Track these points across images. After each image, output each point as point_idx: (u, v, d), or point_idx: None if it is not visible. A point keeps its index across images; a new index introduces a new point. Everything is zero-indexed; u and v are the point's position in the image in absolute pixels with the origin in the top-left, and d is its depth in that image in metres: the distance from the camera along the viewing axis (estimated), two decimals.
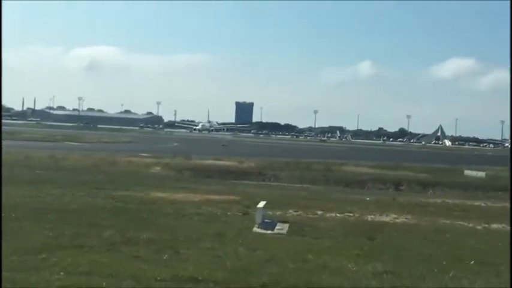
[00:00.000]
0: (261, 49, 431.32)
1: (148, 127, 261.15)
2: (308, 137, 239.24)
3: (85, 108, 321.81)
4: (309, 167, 57.19)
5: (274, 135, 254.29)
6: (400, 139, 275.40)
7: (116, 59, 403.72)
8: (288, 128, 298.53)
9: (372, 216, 26.20)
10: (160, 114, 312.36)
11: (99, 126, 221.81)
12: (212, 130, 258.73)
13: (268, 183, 45.77)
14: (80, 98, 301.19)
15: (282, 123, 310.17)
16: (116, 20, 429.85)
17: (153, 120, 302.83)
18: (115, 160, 51.99)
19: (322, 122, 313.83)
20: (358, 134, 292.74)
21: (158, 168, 49.69)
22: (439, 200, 36.13)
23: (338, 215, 25.81)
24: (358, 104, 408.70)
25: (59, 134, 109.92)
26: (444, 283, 14.08)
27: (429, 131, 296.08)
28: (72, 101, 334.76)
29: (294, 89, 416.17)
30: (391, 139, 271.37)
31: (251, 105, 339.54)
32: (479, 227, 25.02)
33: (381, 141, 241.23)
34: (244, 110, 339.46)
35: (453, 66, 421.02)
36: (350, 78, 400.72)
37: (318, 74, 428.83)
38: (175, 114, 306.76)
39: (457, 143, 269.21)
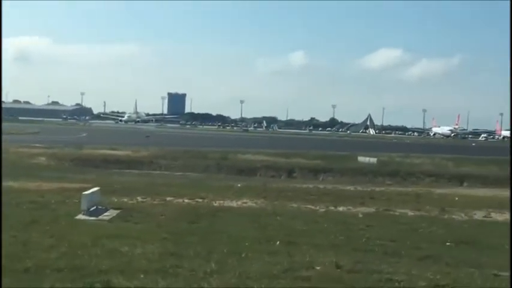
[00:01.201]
0: (194, 40, 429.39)
1: (75, 118, 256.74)
2: (235, 128, 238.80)
3: (11, 100, 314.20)
4: (206, 155, 57.00)
5: (201, 126, 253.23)
6: (329, 128, 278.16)
7: (45, 50, 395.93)
8: (220, 119, 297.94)
9: (221, 201, 26.19)
10: (90, 105, 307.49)
11: (21, 118, 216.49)
12: (139, 121, 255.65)
13: (156, 172, 45.40)
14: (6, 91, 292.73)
15: (214, 114, 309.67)
16: (45, 10, 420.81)
17: (81, 112, 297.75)
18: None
19: (256, 113, 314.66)
20: (290, 124, 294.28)
21: (43, 158, 48.65)
22: (316, 186, 36.40)
23: (186, 200, 25.79)
24: (291, 94, 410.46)
25: None
26: (226, 263, 14.10)
27: (360, 120, 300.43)
28: (8, 92, 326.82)
29: (227, 80, 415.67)
30: (319, 128, 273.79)
31: (183, 96, 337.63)
32: (322, 210, 25.29)
33: (307, 131, 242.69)
34: (176, 101, 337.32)
35: (382, 56, 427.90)
36: (283, 69, 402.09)
37: (251, 64, 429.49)
38: (104, 106, 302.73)
39: (384, 131, 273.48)
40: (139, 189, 28.23)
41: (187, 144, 73.94)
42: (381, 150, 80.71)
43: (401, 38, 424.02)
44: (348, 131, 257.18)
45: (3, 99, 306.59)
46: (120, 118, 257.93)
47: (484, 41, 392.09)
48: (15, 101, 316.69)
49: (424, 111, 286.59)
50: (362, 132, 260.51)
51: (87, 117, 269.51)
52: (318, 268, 14.46)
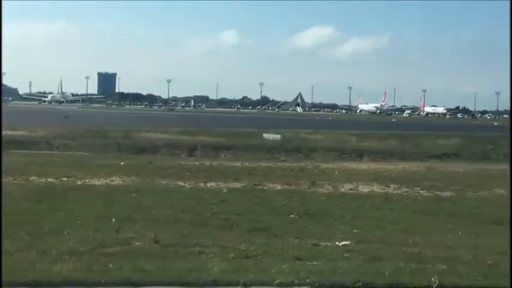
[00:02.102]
0: (125, 20, 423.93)
1: None
2: (162, 107, 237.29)
3: None
4: (108, 135, 56.15)
5: (128, 106, 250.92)
6: (259, 107, 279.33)
7: None
8: (150, 99, 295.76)
9: (88, 180, 25.77)
10: (15, 86, 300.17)
11: None
12: (63, 102, 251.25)
13: (46, 152, 44.36)
14: None
15: (145, 93, 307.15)
16: None
17: (5, 93, 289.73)
18: None
19: (189, 92, 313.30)
20: (222, 102, 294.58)
21: None
22: (202, 163, 36.13)
23: (50, 179, 25.25)
24: (223, 74, 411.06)
25: None
26: (43, 240, 13.92)
27: (291, 99, 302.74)
28: None
29: (159, 61, 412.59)
30: (249, 107, 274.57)
31: (114, 75, 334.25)
32: (189, 186, 25.16)
33: (235, 110, 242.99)
34: (106, 80, 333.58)
35: (314, 35, 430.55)
36: (215, 48, 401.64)
37: (183, 45, 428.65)
38: (30, 86, 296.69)
39: (313, 109, 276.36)
40: (7, 169, 27.38)
41: (101, 124, 72.93)
42: (296, 127, 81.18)
43: (333, 16, 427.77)
44: (277, 109, 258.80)
45: None
46: (43, 99, 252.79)
47: (410, 20, 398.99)
48: None
49: (350, 88, 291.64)
50: (292, 110, 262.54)
51: (9, 98, 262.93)
52: (137, 243, 14.31)
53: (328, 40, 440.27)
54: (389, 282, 11.85)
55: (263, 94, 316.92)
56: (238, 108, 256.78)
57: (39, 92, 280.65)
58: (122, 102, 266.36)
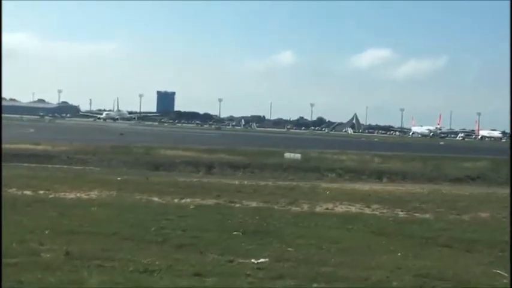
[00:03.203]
0: (185, 39, 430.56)
1: (55, 116, 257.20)
2: (213, 126, 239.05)
3: None
4: (129, 151, 56.78)
5: (180, 124, 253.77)
6: (312, 127, 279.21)
7: (32, 47, 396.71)
8: (207, 117, 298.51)
9: (64, 193, 26.17)
10: (77, 103, 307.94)
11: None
12: (117, 119, 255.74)
13: (59, 166, 45.05)
14: None
15: (201, 112, 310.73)
16: (32, 6, 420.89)
17: (65, 110, 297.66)
18: None
19: (246, 112, 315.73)
20: (278, 123, 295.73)
21: None
22: (200, 180, 36.19)
23: (26, 192, 25.76)
24: (280, 94, 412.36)
25: None
26: None
27: (347, 119, 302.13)
28: None
29: (216, 79, 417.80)
30: (302, 128, 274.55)
31: (173, 94, 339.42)
32: (162, 202, 25.26)
33: (285, 130, 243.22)
34: (165, 99, 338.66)
35: (371, 56, 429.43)
36: (272, 68, 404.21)
37: (240, 63, 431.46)
38: (90, 103, 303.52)
39: (367, 131, 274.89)
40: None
41: (133, 141, 73.89)
42: (329, 147, 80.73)
43: (390, 38, 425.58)
44: (327, 130, 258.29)
45: None
46: (98, 116, 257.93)
47: (469, 42, 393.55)
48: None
49: (402, 110, 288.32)
50: (344, 131, 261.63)
51: (68, 115, 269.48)
52: (47, 255, 14.41)
53: (384, 61, 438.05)
54: None
55: (319, 115, 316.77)
56: (288, 128, 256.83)
57: (99, 110, 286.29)
58: (176, 121, 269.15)
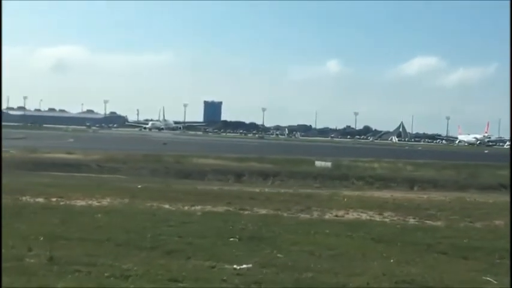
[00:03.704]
0: (231, 49, 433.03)
1: (102, 126, 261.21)
2: (257, 135, 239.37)
3: (46, 108, 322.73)
4: (160, 160, 57.28)
5: (224, 133, 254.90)
6: (357, 136, 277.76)
7: (82, 59, 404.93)
8: (252, 127, 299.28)
9: (76, 201, 26.42)
10: (125, 113, 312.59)
11: (46, 125, 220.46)
12: (162, 128, 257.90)
13: (86, 174, 45.66)
14: (40, 99, 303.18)
15: (247, 122, 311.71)
16: (82, 19, 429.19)
17: (113, 120, 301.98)
18: None
19: (292, 121, 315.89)
20: (324, 131, 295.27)
21: None
22: (221, 187, 36.32)
23: (39, 199, 26.08)
24: (326, 103, 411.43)
25: None
26: None
27: (393, 128, 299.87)
28: (41, 101, 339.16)
29: (262, 88, 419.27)
30: (348, 136, 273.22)
31: (219, 104, 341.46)
32: (170, 208, 25.40)
33: (329, 139, 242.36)
34: (212, 109, 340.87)
35: (418, 64, 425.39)
36: (318, 76, 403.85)
37: (287, 73, 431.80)
38: (137, 114, 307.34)
39: (413, 140, 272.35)
40: (16, 188, 28.57)
41: (169, 150, 74.57)
42: (365, 156, 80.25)
43: (438, 46, 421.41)
44: (371, 138, 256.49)
45: (37, 107, 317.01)
46: (144, 126, 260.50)
47: None
48: (51, 109, 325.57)
49: (448, 118, 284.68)
50: (389, 140, 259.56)
51: (115, 125, 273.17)
52: (31, 261, 14.63)
53: (432, 69, 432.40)
54: None
55: (366, 124, 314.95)
56: (332, 137, 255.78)
57: (146, 120, 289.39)
58: (221, 130, 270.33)
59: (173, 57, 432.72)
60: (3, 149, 49.14)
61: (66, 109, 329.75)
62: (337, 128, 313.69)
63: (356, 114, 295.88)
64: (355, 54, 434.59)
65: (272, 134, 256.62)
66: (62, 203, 25.39)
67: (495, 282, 14.85)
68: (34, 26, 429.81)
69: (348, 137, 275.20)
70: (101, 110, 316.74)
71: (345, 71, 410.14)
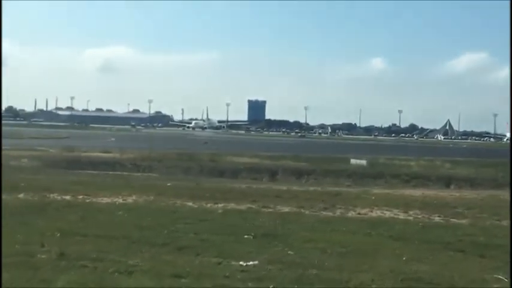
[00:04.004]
0: (274, 48, 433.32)
1: (147, 125, 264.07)
2: (298, 134, 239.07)
3: (94, 109, 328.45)
4: (194, 158, 57.66)
5: (267, 132, 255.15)
6: (402, 134, 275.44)
7: (129, 59, 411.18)
8: (296, 125, 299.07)
9: (100, 198, 26.72)
10: (171, 113, 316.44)
11: (92, 125, 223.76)
12: (205, 128, 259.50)
13: (119, 172, 46.24)
14: (88, 100, 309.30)
15: (291, 120, 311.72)
16: (128, 20, 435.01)
17: (159, 119, 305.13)
18: None
19: (336, 119, 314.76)
20: (369, 130, 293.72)
21: (25, 160, 50.44)
22: (250, 186, 36.37)
23: (65, 197, 26.46)
24: (371, 100, 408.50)
25: (5, 132, 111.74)
26: None
27: (440, 126, 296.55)
28: (88, 101, 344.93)
29: (307, 86, 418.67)
30: (393, 134, 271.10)
31: (263, 103, 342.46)
32: (192, 206, 25.56)
33: (372, 137, 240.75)
34: (256, 108, 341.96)
35: (466, 61, 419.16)
36: (363, 75, 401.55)
37: (332, 71, 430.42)
38: (182, 113, 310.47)
39: (460, 137, 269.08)
40: (47, 186, 29.09)
41: (207, 148, 74.99)
42: (408, 154, 79.57)
43: (486, 42, 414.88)
44: (416, 137, 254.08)
45: (84, 107, 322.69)
46: (187, 125, 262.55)
47: None
48: (98, 109, 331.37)
49: (495, 115, 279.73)
50: (435, 138, 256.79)
51: (159, 124, 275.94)
52: (43, 256, 14.89)
53: (481, 66, 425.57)
54: None
55: (412, 122, 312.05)
56: (375, 135, 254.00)
57: (191, 119, 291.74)
58: (265, 129, 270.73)
59: (218, 56, 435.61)
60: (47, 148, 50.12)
61: (113, 109, 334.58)
62: (383, 127, 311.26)
63: (400, 112, 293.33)
64: (401, 52, 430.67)
65: (315, 133, 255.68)
66: (87, 201, 25.74)
67: (506, 280, 14.58)
68: (83, 28, 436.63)
69: (393, 135, 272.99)
70: (146, 110, 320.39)
71: (390, 69, 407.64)
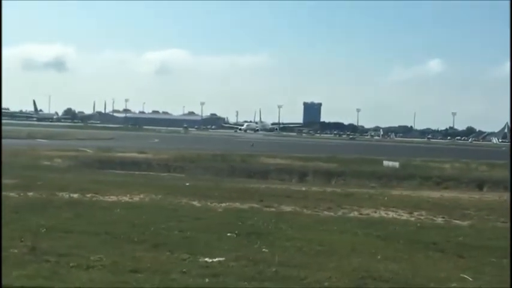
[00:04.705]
0: (329, 50, 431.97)
1: (201, 128, 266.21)
2: (350, 136, 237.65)
3: (150, 111, 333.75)
4: (228, 159, 58.09)
5: (318, 134, 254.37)
6: (458, 137, 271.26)
7: (185, 62, 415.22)
8: (351, 128, 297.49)
9: (108, 196, 27.23)
10: (225, 115, 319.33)
11: (146, 127, 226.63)
12: (257, 130, 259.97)
13: (147, 172, 46.84)
14: (144, 102, 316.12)
15: (346, 123, 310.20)
16: (184, 23, 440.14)
17: (213, 122, 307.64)
18: (23, 153, 54.11)
19: (393, 122, 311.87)
20: (425, 132, 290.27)
21: (59, 160, 51.58)
22: (272, 186, 36.63)
23: (73, 195, 27.03)
24: (427, 103, 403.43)
25: (55, 133, 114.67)
26: None
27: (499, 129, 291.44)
28: (144, 103, 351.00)
29: (362, 88, 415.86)
30: (449, 137, 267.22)
31: (319, 105, 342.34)
32: (196, 205, 25.85)
33: (425, 140, 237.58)
34: (311, 110, 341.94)
35: None
36: (419, 76, 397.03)
37: (386, 73, 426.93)
38: (236, 115, 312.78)
39: None
40: (62, 185, 29.82)
41: (263, 150, 75.34)
42: (452, 156, 78.59)
43: None
44: (470, 140, 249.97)
45: (141, 109, 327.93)
46: (239, 127, 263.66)
47: None
48: (154, 112, 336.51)
49: None
50: (491, 141, 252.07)
51: (213, 126, 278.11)
52: (15, 251, 15.34)
53: None
54: None
55: (469, 125, 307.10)
56: (429, 138, 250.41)
57: (245, 121, 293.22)
58: (318, 131, 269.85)
59: (271, 58, 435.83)
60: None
61: (169, 111, 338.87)
62: (439, 129, 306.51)
63: (454, 114, 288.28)
64: (459, 54, 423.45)
65: (367, 135, 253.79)
66: (94, 199, 26.26)
67: (471, 279, 14.46)
68: (140, 31, 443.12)
69: (448, 138, 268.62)
70: (203, 112, 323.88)
71: (448, 71, 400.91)
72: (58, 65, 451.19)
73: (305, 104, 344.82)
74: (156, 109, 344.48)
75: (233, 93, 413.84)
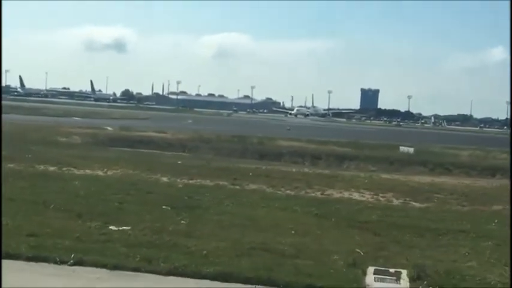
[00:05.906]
0: (389, 37, 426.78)
1: (253, 111, 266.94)
2: (401, 123, 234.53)
3: (206, 94, 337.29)
4: (244, 141, 58.60)
5: (369, 121, 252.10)
6: None
7: (242, 46, 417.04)
8: (408, 115, 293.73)
9: (83, 170, 28.04)
10: (281, 100, 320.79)
11: (196, 109, 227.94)
12: (308, 115, 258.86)
13: (152, 150, 47.45)
14: (199, 85, 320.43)
15: (403, 110, 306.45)
16: (243, 7, 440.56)
17: (267, 106, 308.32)
18: (45, 129, 55.73)
19: (453, 110, 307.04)
20: (485, 122, 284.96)
21: (76, 137, 52.89)
22: (263, 167, 36.74)
23: (51, 167, 27.99)
24: (487, 91, 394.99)
25: (93, 112, 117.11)
26: None
27: None
28: (199, 86, 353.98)
29: (420, 76, 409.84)
30: (504, 127, 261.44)
31: (376, 92, 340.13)
32: (167, 181, 26.39)
33: (478, 128, 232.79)
34: (368, 96, 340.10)
35: None
36: (482, 64, 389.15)
37: (447, 61, 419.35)
38: (292, 100, 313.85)
39: None
40: (50, 159, 30.83)
41: (298, 134, 75.59)
42: (490, 145, 77.24)
43: None
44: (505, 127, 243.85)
45: (197, 92, 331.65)
46: (290, 112, 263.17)
47: None
48: (210, 95, 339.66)
49: None
50: None
51: (265, 110, 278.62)
52: None
53: None
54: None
55: None
56: (481, 127, 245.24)
57: (300, 106, 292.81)
58: (372, 118, 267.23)
59: (333, 44, 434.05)
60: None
61: (225, 95, 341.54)
62: (499, 119, 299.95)
63: (508, 103, 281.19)
64: None
65: (418, 123, 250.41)
66: (66, 172, 27.13)
67: (362, 253, 14.76)
68: (199, 15, 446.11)
69: (505, 127, 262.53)
70: (257, 96, 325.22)
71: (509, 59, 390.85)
72: (118, 46, 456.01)
73: (362, 91, 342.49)
74: (212, 92, 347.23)
75: (290, 78, 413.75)
